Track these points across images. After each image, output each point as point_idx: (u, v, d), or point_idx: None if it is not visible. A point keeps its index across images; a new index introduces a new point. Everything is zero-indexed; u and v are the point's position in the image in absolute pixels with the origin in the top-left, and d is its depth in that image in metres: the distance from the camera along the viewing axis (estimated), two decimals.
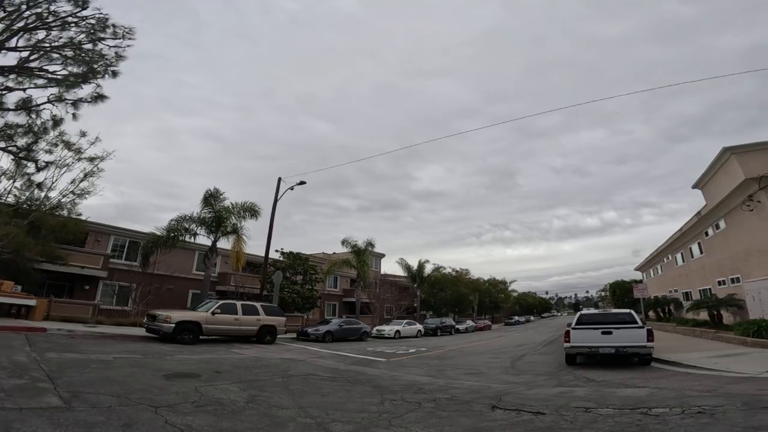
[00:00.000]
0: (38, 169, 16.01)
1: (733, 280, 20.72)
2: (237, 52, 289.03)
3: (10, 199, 16.68)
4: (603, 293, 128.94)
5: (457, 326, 35.56)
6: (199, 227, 20.73)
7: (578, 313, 14.50)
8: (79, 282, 21.17)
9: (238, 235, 21.00)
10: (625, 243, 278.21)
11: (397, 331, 25.46)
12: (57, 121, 14.52)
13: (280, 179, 22.84)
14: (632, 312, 13.74)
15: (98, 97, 14.06)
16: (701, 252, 25.60)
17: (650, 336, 10.84)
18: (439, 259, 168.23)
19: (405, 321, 28.93)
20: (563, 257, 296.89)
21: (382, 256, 49.30)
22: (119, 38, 13.78)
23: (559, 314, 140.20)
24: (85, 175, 17.64)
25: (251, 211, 21.94)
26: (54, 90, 13.72)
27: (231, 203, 21.60)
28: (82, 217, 19.52)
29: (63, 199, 17.82)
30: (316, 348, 16.09)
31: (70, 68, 13.62)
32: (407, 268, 46.08)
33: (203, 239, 21.75)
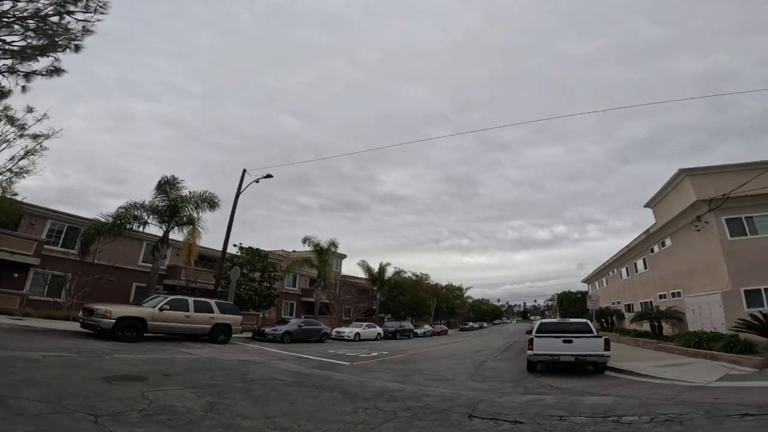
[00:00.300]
0: None
1: (674, 294, 22.20)
2: (212, 40, 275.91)
3: None
4: (550, 302, 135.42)
5: (415, 330, 35.64)
6: (151, 216, 19.15)
7: (538, 322, 14.84)
8: (7, 269, 18.91)
9: (193, 227, 19.63)
10: (571, 256, 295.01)
11: (357, 333, 25.00)
12: (4, 93, 12.95)
13: (244, 171, 21.78)
14: (588, 321, 14.26)
15: (55, 71, 12.59)
16: (645, 267, 27.32)
17: (607, 345, 11.25)
18: (398, 263, 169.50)
19: (365, 323, 28.52)
20: (515, 267, 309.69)
21: (344, 257, 48.64)
22: (91, 11, 12.44)
23: (509, 321, 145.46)
24: (26, 153, 15.80)
25: (210, 201, 20.61)
26: (7, 61, 12.16)
27: (189, 192, 20.18)
28: (18, 198, 17.52)
29: None
30: (275, 349, 15.31)
31: (30, 40, 12.14)
32: (368, 270, 45.79)
33: (154, 229, 20.16)
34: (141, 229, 19.84)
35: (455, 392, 8.19)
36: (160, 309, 12.87)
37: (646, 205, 24.15)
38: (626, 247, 30.41)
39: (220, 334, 14.88)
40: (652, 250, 25.71)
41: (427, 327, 41.53)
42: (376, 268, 45.85)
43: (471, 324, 69.95)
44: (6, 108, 14.53)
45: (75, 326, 12.73)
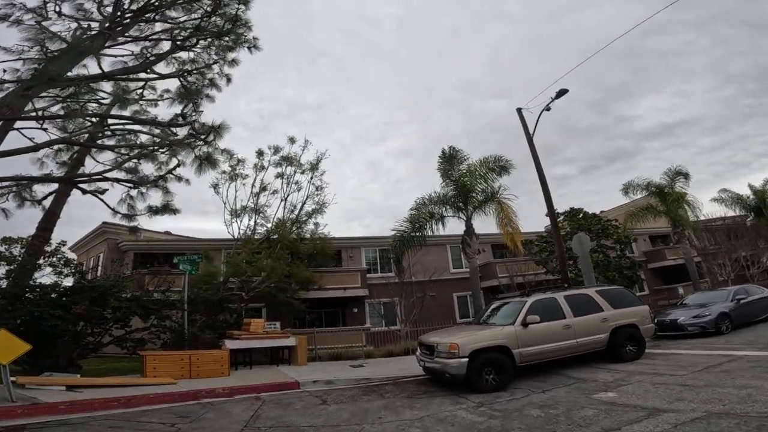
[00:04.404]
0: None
1: None
2: None
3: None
4: None
5: None
6: (444, 207, 15.41)
7: None
8: (349, 305, 19.30)
9: (499, 203, 14.46)
10: None
11: None
12: None
13: (519, 110, 15.54)
14: None
15: None
16: None
17: None
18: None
19: None
20: None
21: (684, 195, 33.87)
22: None
23: None
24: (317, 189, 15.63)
25: (498, 166, 15.24)
26: None
27: (468, 164, 15.54)
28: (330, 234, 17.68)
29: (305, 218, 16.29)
30: (745, 351, 7.29)
31: None
32: (737, 200, 29.83)
33: (451, 227, 16.41)
34: (439, 228, 16.41)
35: None
36: (524, 324, 7.42)
37: None
38: None
39: (625, 344, 8.24)
40: None
41: None
42: (748, 193, 29.35)
43: None
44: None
45: (414, 365, 8.88)
